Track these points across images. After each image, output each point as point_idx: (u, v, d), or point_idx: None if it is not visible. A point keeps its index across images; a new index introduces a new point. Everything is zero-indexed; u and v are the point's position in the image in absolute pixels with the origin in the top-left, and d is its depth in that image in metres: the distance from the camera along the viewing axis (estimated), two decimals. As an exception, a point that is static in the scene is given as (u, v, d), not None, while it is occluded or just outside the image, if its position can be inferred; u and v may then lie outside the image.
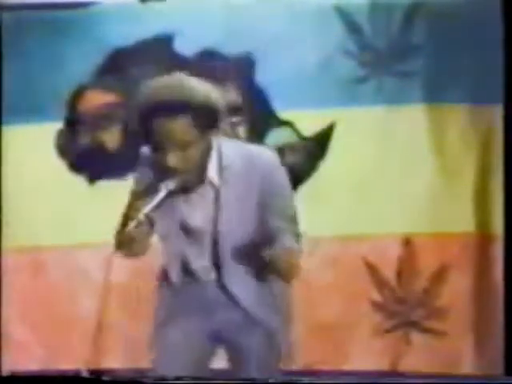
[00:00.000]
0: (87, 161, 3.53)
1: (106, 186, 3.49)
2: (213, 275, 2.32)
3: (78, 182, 3.52)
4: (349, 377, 3.34)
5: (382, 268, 3.44)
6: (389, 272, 3.45)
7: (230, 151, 2.24)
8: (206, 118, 2.10)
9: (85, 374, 3.34)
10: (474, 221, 3.41)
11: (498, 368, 3.21)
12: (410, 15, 3.41)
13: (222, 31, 3.42)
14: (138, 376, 2.77)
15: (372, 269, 3.44)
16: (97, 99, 3.52)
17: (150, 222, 2.20)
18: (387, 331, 3.45)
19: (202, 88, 2.10)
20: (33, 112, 3.47)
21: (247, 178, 2.22)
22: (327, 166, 3.45)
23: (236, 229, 2.25)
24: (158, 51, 3.45)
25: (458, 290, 3.40)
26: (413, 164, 3.42)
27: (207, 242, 2.29)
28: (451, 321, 3.40)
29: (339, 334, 3.43)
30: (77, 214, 3.48)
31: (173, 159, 2.10)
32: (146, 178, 2.24)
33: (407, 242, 3.44)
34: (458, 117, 3.42)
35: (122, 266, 3.43)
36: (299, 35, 3.42)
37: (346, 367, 3.42)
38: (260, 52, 3.41)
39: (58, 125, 3.53)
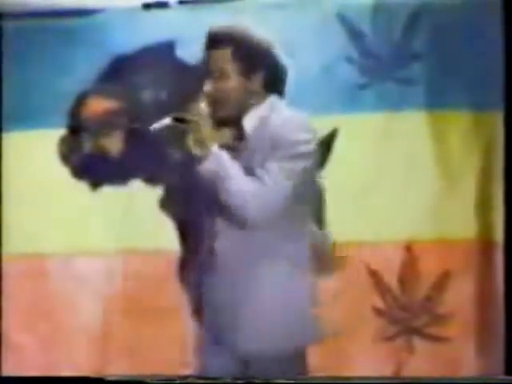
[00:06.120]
0: (89, 167, 3.53)
1: (108, 191, 3.50)
2: None
3: (81, 188, 3.52)
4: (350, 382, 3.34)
5: (384, 274, 3.44)
6: (391, 278, 3.44)
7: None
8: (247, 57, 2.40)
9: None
10: (476, 227, 3.41)
11: (501, 373, 3.22)
12: (411, 22, 3.41)
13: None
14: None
15: (374, 275, 3.44)
16: (99, 106, 3.53)
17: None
18: (389, 338, 3.44)
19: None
20: (35, 118, 3.49)
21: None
22: (329, 173, 3.45)
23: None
24: (161, 58, 3.46)
25: (460, 297, 3.39)
26: (414, 170, 3.42)
27: None
28: (454, 327, 3.39)
29: (341, 340, 3.42)
30: (79, 221, 3.49)
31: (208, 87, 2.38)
32: None
33: (409, 249, 3.44)
34: (459, 123, 3.41)
35: (125, 273, 3.45)
36: (301, 42, 3.43)
37: (348, 374, 3.41)
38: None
39: (61, 131, 3.54)
